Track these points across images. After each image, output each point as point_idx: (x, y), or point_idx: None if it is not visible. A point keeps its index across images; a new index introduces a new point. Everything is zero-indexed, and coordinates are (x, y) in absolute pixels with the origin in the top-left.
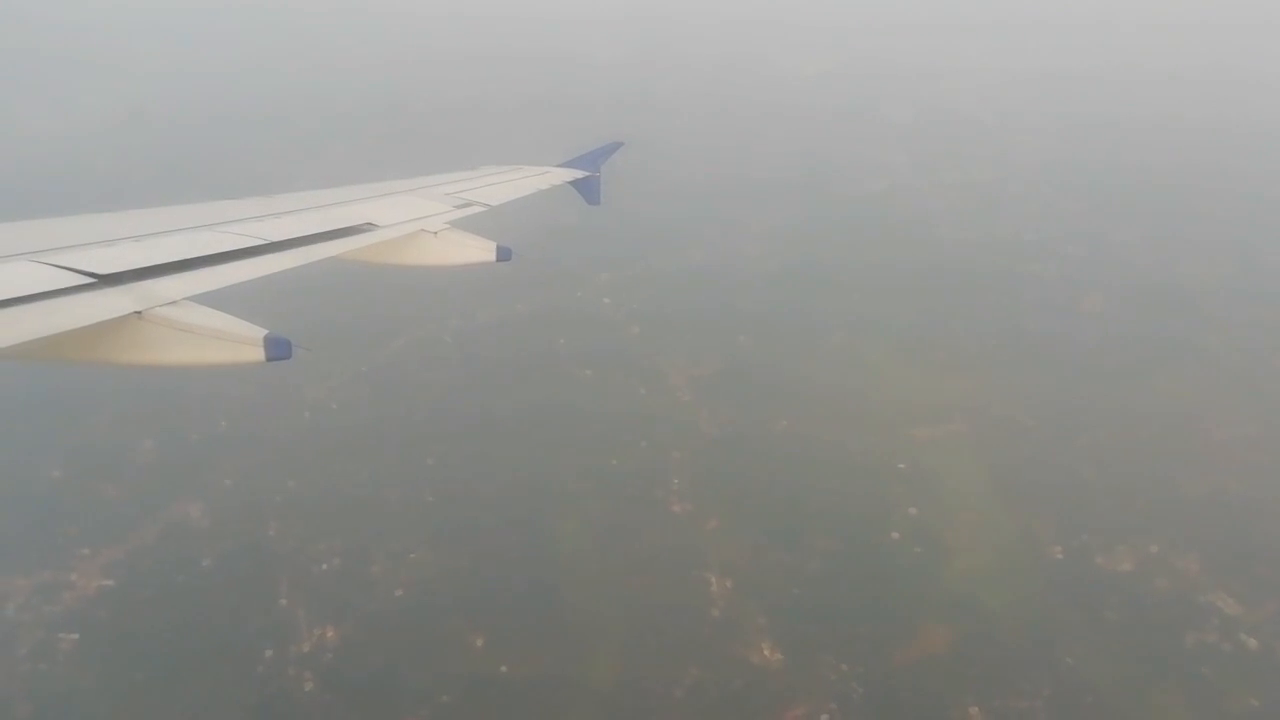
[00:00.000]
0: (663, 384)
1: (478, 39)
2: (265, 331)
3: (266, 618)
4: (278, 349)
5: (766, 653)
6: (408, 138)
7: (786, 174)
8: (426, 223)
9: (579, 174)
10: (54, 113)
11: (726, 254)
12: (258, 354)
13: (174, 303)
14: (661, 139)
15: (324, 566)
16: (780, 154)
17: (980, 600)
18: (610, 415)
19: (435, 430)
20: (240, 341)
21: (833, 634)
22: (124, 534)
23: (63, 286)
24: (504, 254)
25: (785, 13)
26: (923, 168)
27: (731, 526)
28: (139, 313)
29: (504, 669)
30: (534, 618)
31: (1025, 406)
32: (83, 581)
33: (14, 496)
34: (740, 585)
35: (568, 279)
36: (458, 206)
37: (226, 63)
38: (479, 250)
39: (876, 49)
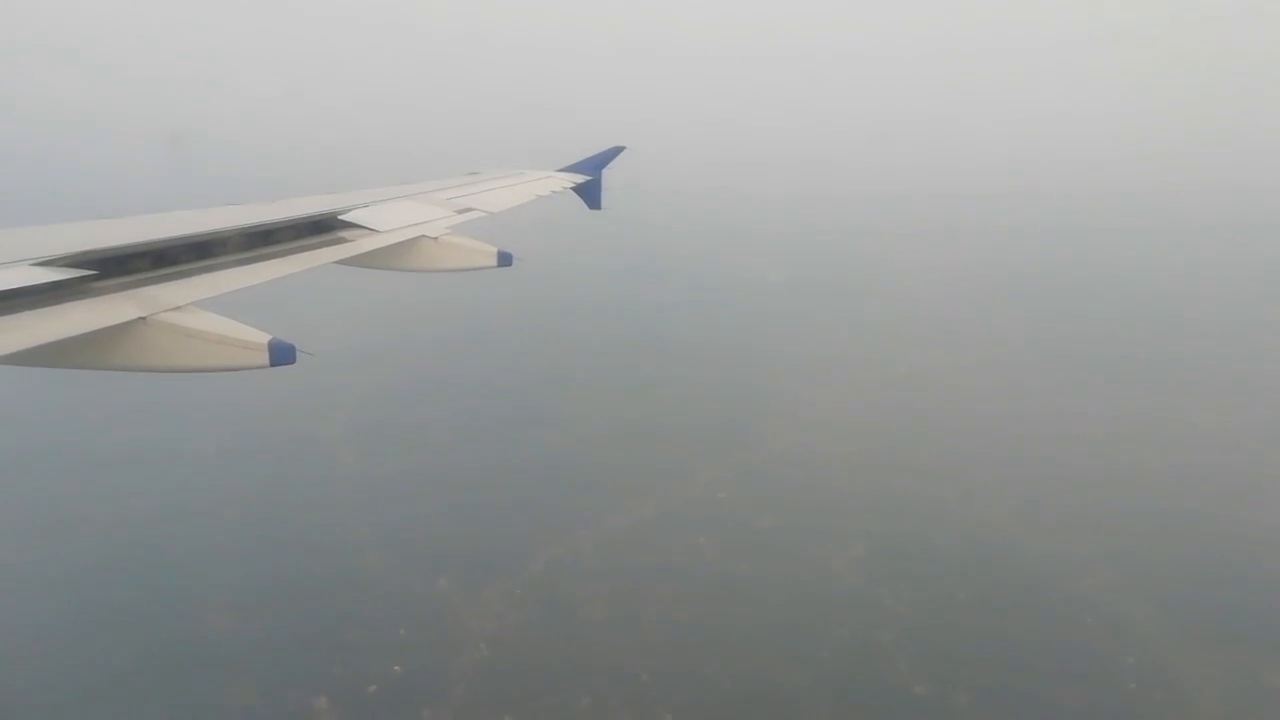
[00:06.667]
0: (826, 569)
1: None
2: (269, 336)
3: None
4: (282, 354)
5: None
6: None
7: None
8: (427, 228)
9: (580, 178)
10: None
11: (805, 444)
12: (262, 358)
13: (178, 308)
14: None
15: None
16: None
17: None
18: (794, 603)
19: (628, 645)
20: (244, 346)
21: None
22: None
23: (65, 282)
24: (505, 259)
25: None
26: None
27: (982, 701)
28: (143, 318)
29: None
30: None
31: (1148, 549)
32: None
33: None
34: None
35: (669, 480)
36: (458, 212)
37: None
38: (480, 255)
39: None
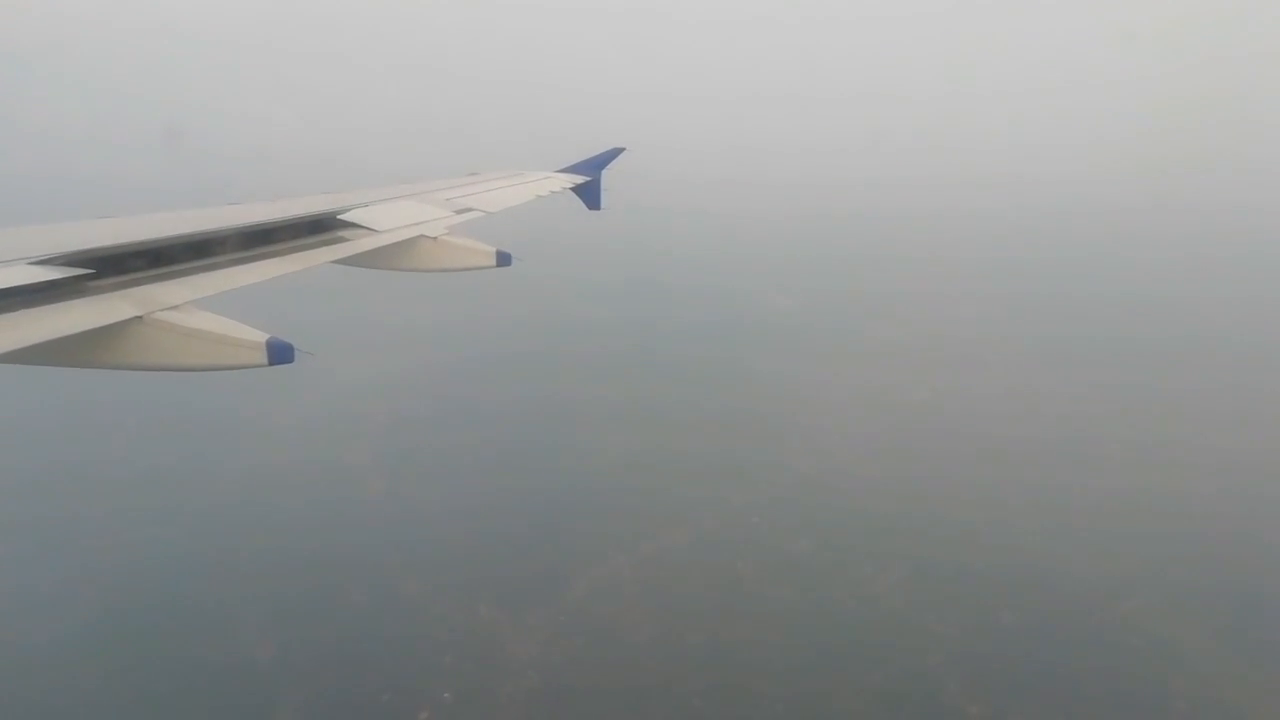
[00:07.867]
0: (869, 592)
1: None
2: (267, 335)
3: None
4: (280, 353)
5: None
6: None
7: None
8: (426, 228)
9: (580, 179)
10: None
11: (833, 467)
12: (260, 357)
13: (176, 307)
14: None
15: None
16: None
17: None
18: (840, 627)
19: (677, 670)
20: (242, 345)
21: None
22: None
23: (62, 280)
24: (504, 259)
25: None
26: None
27: None
28: (141, 317)
29: None
30: None
31: (1185, 570)
32: None
33: None
34: None
35: (700, 505)
36: (457, 212)
37: None
38: (479, 255)
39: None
